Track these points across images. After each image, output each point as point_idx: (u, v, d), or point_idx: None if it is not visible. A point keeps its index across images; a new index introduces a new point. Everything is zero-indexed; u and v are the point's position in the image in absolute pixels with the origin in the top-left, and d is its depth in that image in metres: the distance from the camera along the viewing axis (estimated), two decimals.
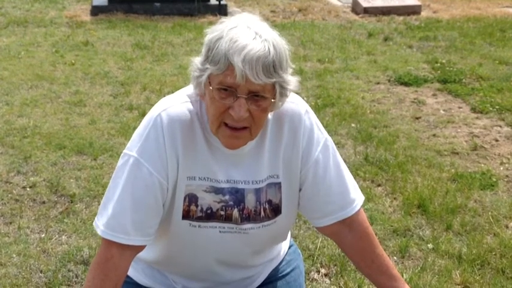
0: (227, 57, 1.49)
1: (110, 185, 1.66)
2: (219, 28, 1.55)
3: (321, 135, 1.74)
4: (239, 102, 1.53)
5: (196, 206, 1.67)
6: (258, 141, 1.68)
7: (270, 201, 1.72)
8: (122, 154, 1.66)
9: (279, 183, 1.72)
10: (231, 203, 1.69)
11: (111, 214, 1.63)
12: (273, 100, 1.56)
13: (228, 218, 1.70)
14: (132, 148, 1.64)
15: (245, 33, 1.51)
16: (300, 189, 1.75)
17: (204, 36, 1.59)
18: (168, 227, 1.71)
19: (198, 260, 1.77)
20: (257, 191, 1.70)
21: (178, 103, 1.65)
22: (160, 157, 1.61)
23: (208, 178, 1.66)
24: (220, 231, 1.71)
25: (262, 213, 1.71)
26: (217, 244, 1.72)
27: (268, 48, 1.50)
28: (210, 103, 1.57)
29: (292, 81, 1.58)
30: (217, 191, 1.67)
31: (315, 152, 1.71)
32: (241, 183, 1.69)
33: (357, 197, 1.77)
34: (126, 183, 1.62)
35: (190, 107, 1.64)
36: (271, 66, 1.51)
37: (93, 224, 1.69)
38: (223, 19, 1.58)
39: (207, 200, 1.68)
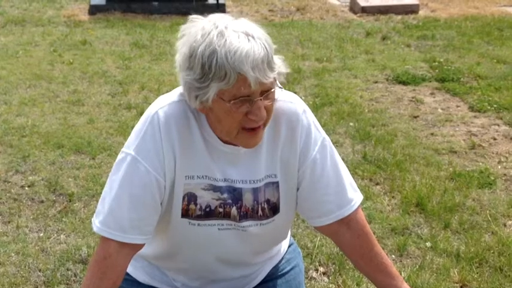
0: (235, 70, 1.46)
1: (108, 183, 1.66)
2: (198, 40, 1.50)
3: (319, 134, 1.73)
4: (257, 106, 1.53)
5: (195, 204, 1.68)
6: None
7: (268, 201, 1.72)
8: (120, 152, 1.66)
9: (277, 183, 1.72)
10: (230, 201, 1.69)
11: (108, 211, 1.63)
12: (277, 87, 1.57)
13: (226, 215, 1.70)
14: (129, 146, 1.64)
15: (237, 38, 1.48)
16: (298, 189, 1.75)
17: (179, 40, 1.55)
18: (167, 225, 1.71)
19: (198, 258, 1.77)
20: (255, 191, 1.70)
21: (175, 101, 1.65)
22: (158, 155, 1.62)
23: (206, 176, 1.67)
24: (219, 229, 1.71)
25: (260, 212, 1.72)
26: (216, 241, 1.73)
27: (264, 45, 1.50)
28: (225, 115, 1.55)
29: (279, 62, 1.57)
30: (215, 188, 1.68)
31: (312, 152, 1.71)
32: (239, 182, 1.69)
33: (355, 196, 1.77)
34: (124, 181, 1.62)
35: (187, 105, 1.64)
36: (271, 61, 1.52)
37: (91, 221, 1.69)
38: (189, 25, 1.55)
39: (206, 198, 1.68)
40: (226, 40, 1.48)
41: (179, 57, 1.56)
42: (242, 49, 1.46)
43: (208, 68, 1.48)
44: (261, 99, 1.53)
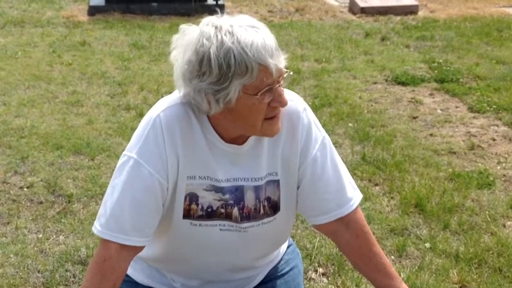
0: (256, 62, 1.49)
1: (110, 186, 1.65)
2: (204, 43, 1.50)
3: (319, 133, 1.74)
4: (278, 93, 1.57)
5: (197, 204, 1.68)
6: (257, 139, 1.68)
7: (268, 199, 1.72)
8: (122, 155, 1.66)
9: (278, 181, 1.72)
10: (231, 201, 1.69)
11: (109, 215, 1.62)
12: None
13: (228, 216, 1.70)
14: (131, 149, 1.64)
15: (246, 32, 1.50)
16: (298, 187, 1.76)
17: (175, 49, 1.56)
18: (168, 226, 1.71)
19: (198, 259, 1.77)
20: (256, 188, 1.70)
21: (177, 103, 1.64)
22: (160, 157, 1.61)
23: (208, 177, 1.67)
24: (220, 229, 1.71)
25: (262, 210, 1.72)
26: (217, 242, 1.73)
27: (269, 33, 1.54)
28: (249, 111, 1.56)
29: None
30: (217, 189, 1.68)
31: (312, 150, 1.72)
32: (241, 180, 1.69)
33: (354, 196, 1.78)
34: (126, 185, 1.61)
35: (189, 105, 1.64)
36: (277, 45, 1.55)
37: (93, 228, 1.67)
38: (181, 36, 1.56)
39: (208, 199, 1.68)
40: (237, 36, 1.49)
41: (183, 68, 1.55)
42: (257, 41, 1.50)
43: (227, 67, 1.49)
44: (279, 86, 1.56)
